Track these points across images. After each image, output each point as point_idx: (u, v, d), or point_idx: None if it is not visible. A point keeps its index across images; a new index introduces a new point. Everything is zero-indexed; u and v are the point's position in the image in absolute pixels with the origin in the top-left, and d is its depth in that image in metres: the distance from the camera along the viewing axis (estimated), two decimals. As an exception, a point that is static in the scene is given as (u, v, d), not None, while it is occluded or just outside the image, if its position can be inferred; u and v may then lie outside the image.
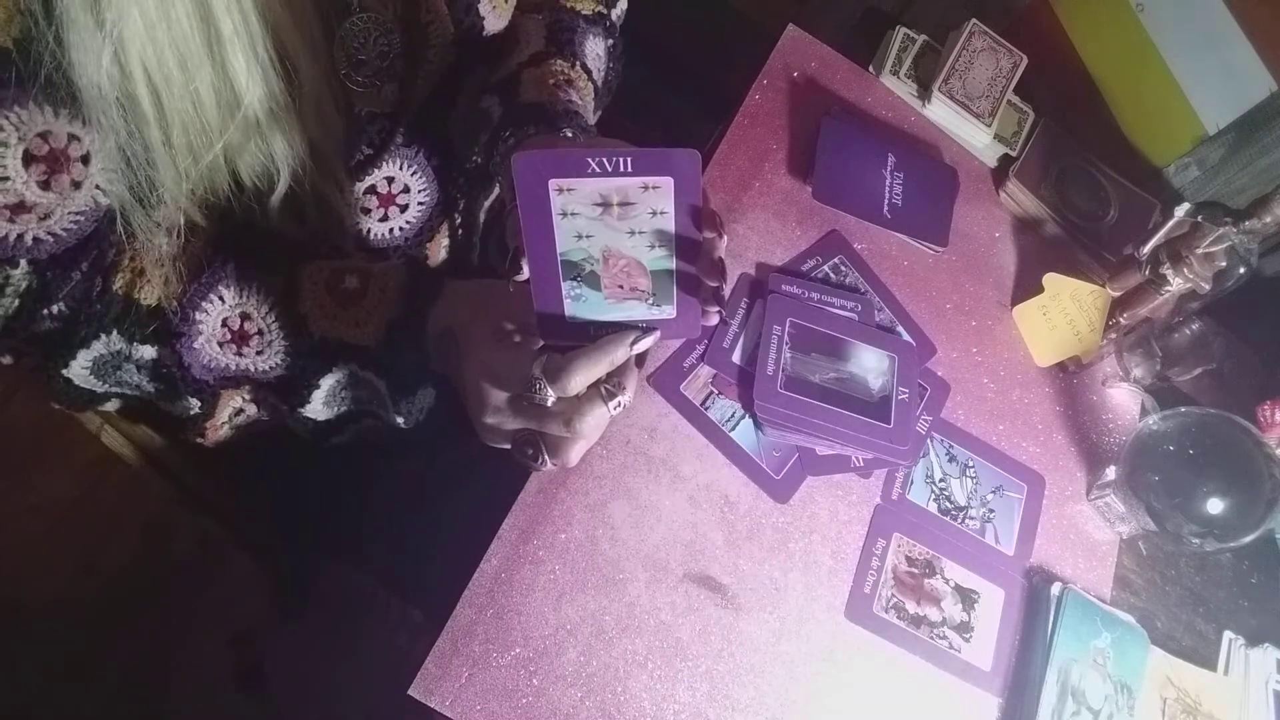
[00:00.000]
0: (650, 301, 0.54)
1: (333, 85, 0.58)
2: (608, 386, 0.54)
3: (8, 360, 0.64)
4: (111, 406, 0.73)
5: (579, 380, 0.53)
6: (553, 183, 0.50)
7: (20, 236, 0.52)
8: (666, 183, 0.50)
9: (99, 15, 0.45)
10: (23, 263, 0.54)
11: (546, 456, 0.56)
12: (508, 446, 0.57)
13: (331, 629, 1.38)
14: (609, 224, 0.51)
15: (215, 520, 1.12)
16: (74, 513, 1.38)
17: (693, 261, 0.53)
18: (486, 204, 0.81)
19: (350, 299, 0.62)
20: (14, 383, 1.26)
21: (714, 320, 0.55)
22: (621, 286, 0.53)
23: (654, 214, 0.51)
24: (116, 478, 1.39)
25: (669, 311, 0.55)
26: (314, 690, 1.34)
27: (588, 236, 0.52)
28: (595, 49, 0.76)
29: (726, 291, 0.55)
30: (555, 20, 0.73)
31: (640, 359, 0.56)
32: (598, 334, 0.55)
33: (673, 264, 0.53)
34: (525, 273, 0.53)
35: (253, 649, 1.33)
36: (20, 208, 0.50)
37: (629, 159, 0.50)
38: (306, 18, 0.54)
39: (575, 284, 0.53)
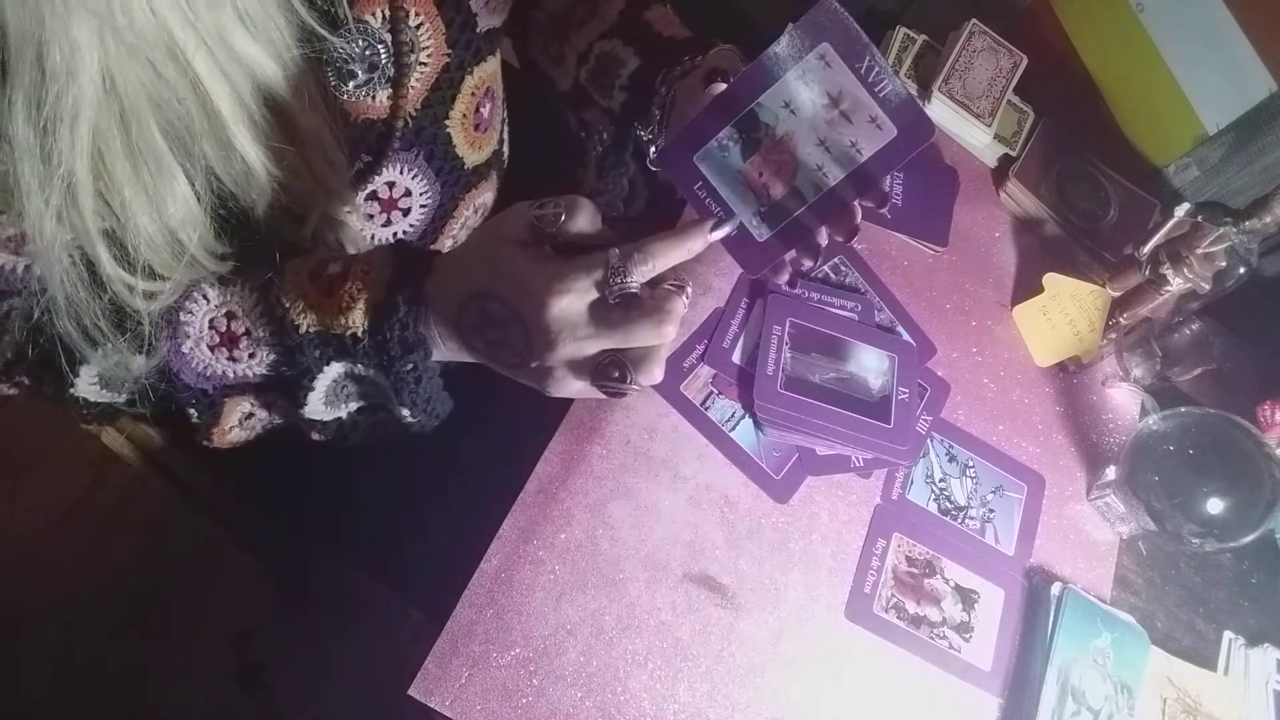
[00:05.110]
0: (757, 210, 0.51)
1: (333, 126, 0.59)
2: (674, 281, 0.52)
3: (21, 387, 0.64)
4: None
5: (660, 263, 0.50)
6: (821, 48, 0.47)
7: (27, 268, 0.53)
8: (891, 133, 0.48)
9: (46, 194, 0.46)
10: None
11: (634, 375, 0.53)
12: (581, 385, 0.54)
13: (332, 629, 1.38)
14: (817, 119, 0.49)
15: (215, 520, 1.13)
16: (74, 513, 1.39)
17: (825, 216, 0.51)
18: (644, 135, 0.75)
19: (332, 285, 0.59)
20: (14, 383, 1.26)
21: (784, 277, 0.53)
22: (760, 174, 0.50)
23: (852, 145, 0.49)
24: (116, 478, 1.39)
25: (760, 234, 0.52)
26: (314, 690, 1.34)
27: (791, 112, 0.49)
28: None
29: (809, 267, 0.54)
30: None
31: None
32: (698, 191, 0.52)
33: (813, 197, 0.50)
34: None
35: (253, 649, 1.33)
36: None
37: (899, 94, 0.47)
38: (301, 92, 0.55)
39: (736, 138, 0.50)
